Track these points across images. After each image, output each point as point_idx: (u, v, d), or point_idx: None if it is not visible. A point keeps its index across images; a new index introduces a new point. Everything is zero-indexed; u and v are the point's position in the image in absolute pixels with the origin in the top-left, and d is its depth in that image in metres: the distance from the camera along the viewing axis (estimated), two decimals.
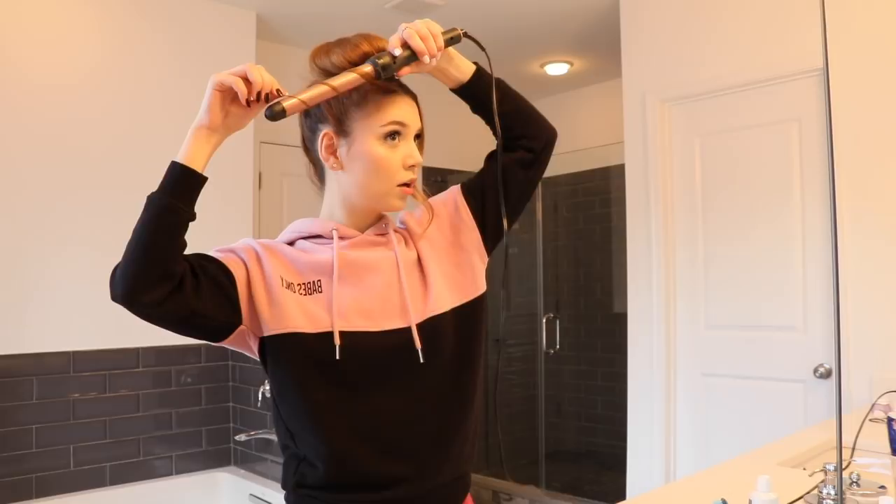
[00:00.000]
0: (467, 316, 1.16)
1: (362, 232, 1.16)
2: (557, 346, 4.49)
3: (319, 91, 1.05)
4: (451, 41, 1.14)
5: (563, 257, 4.93)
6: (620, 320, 3.57)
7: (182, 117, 3.29)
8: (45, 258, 2.93)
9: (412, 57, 1.08)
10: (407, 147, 1.13)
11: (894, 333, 2.46)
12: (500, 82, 1.22)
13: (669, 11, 3.16)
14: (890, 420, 1.42)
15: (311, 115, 1.14)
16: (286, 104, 1.03)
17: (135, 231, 0.99)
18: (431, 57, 1.09)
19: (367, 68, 1.07)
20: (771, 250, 2.84)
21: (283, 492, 1.15)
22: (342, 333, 1.06)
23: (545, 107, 6.09)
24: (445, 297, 1.15)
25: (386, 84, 1.09)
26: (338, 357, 1.05)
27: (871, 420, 1.41)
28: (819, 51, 2.12)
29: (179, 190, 1.00)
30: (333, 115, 1.11)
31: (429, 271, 1.17)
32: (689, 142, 3.12)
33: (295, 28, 3.77)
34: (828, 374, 2.65)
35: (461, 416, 1.14)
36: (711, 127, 3.04)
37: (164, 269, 0.98)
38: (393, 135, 1.11)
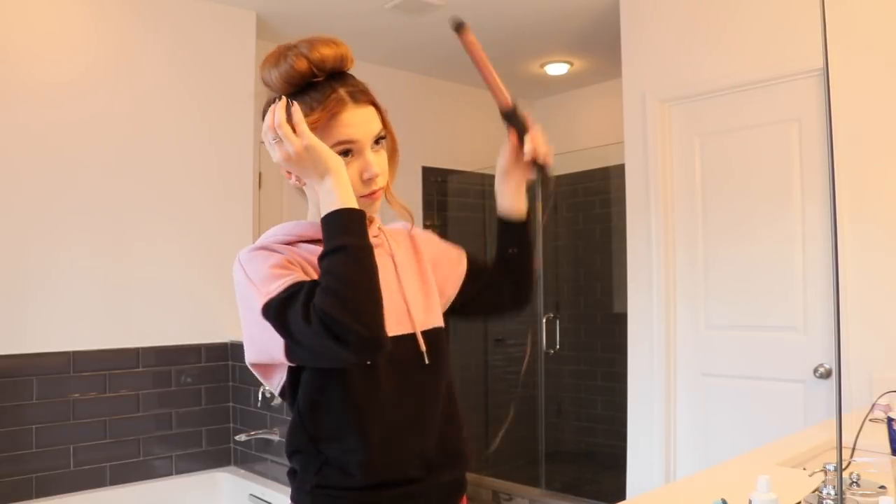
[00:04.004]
0: (445, 336, 1.24)
1: None
2: (557, 346, 4.49)
3: None
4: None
5: (563, 257, 4.93)
6: (620, 320, 3.57)
7: (182, 117, 3.31)
8: (45, 258, 2.93)
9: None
10: (361, 162, 1.10)
11: (894, 333, 2.46)
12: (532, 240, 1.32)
13: (669, 11, 3.16)
14: (890, 420, 1.42)
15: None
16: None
17: (361, 279, 0.99)
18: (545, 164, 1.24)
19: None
20: (771, 250, 2.84)
21: (291, 491, 1.16)
22: None
23: (545, 107, 6.12)
24: (439, 312, 1.23)
25: (332, 98, 1.08)
26: (376, 363, 1.09)
27: (871, 420, 1.41)
28: (819, 51, 2.12)
29: (367, 230, 1.05)
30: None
31: (428, 282, 1.24)
32: (689, 142, 3.12)
33: (295, 28, 3.77)
34: (828, 374, 2.65)
35: (458, 420, 1.22)
36: (711, 127, 3.04)
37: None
38: (344, 153, 1.08)
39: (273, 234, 1.16)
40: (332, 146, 1.07)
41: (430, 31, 3.85)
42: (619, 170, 3.43)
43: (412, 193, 4.55)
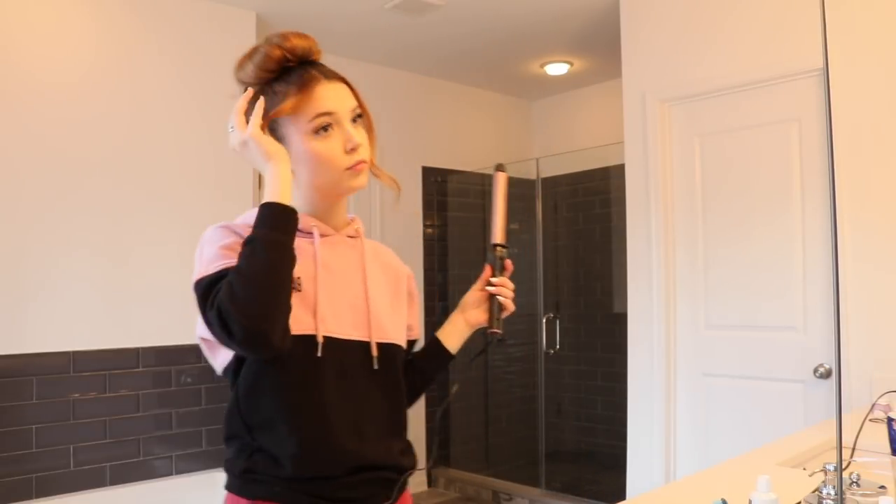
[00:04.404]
0: (402, 357, 1.25)
1: (337, 230, 1.20)
2: (557, 346, 4.49)
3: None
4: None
5: (563, 257, 4.93)
6: (620, 320, 3.57)
7: (182, 117, 3.31)
8: (45, 259, 2.93)
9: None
10: (342, 133, 1.13)
11: (894, 333, 2.46)
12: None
13: (669, 11, 3.16)
14: (890, 420, 1.42)
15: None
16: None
17: (257, 271, 0.99)
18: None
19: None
20: (771, 250, 2.84)
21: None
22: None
23: (545, 107, 6.12)
24: (403, 334, 1.25)
25: (306, 76, 1.12)
26: (319, 356, 1.09)
27: (871, 420, 1.41)
28: (819, 51, 2.13)
29: (289, 226, 1.05)
30: (264, 125, 1.12)
31: (399, 303, 1.27)
32: (689, 142, 3.12)
33: (295, 28, 3.75)
34: (828, 374, 2.65)
35: (404, 433, 1.23)
36: (711, 127, 3.04)
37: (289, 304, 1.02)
38: (325, 127, 1.11)
39: (248, 215, 1.16)
40: (311, 119, 1.10)
41: (430, 31, 3.85)
42: (619, 170, 3.43)
43: (412, 193, 4.55)
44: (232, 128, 1.10)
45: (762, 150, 2.88)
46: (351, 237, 1.23)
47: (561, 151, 4.87)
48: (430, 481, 4.60)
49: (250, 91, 1.12)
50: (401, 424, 1.22)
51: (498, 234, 1.31)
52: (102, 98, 3.10)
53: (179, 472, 3.22)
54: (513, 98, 5.16)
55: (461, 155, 4.73)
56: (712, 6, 3.02)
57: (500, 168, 1.35)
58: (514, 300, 1.33)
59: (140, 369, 3.14)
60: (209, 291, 1.02)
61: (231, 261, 1.04)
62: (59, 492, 2.89)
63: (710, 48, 3.02)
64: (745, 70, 2.89)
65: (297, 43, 1.14)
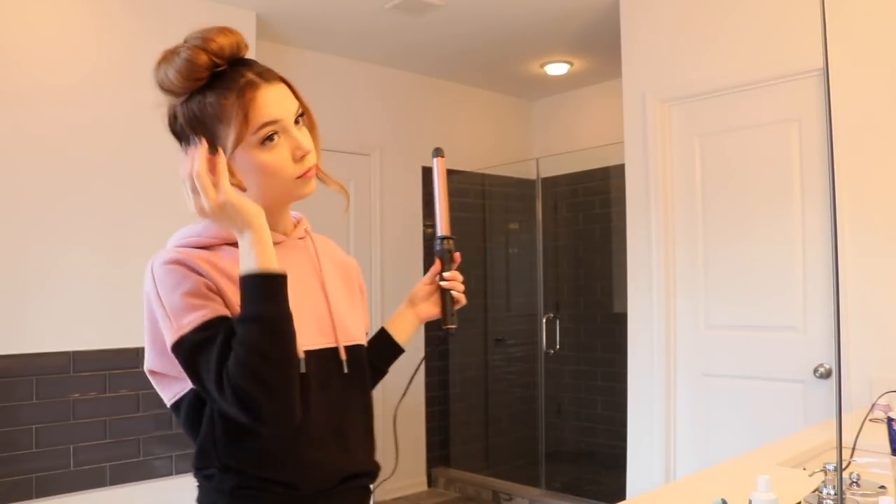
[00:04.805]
0: (366, 355, 1.22)
1: (287, 235, 1.15)
2: (557, 346, 4.49)
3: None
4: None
5: (563, 257, 4.93)
6: (620, 320, 3.57)
7: None
8: (45, 258, 2.93)
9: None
10: (289, 141, 1.04)
11: (894, 333, 2.46)
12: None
13: (669, 11, 3.16)
14: (890, 420, 1.42)
15: (182, 141, 1.07)
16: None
17: (279, 358, 0.95)
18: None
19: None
20: (771, 250, 2.84)
21: (199, 493, 1.10)
22: None
23: (545, 107, 6.10)
24: (363, 331, 1.23)
25: (243, 83, 1.02)
26: (303, 372, 1.05)
27: (871, 420, 1.41)
28: (819, 51, 2.13)
29: (282, 296, 0.99)
30: (205, 138, 1.02)
31: (354, 299, 1.24)
32: (689, 142, 3.12)
33: (295, 28, 3.77)
34: (828, 374, 2.65)
35: (373, 434, 1.20)
36: (711, 127, 3.04)
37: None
38: (270, 136, 1.02)
39: (192, 233, 1.08)
40: (256, 131, 1.01)
41: (430, 31, 3.85)
42: (619, 170, 3.43)
43: (412, 193, 4.55)
44: (192, 188, 0.97)
45: (762, 150, 2.88)
46: (301, 238, 1.19)
47: (561, 151, 4.87)
48: (430, 481, 4.61)
49: (204, 146, 0.99)
50: (371, 423, 1.20)
51: (444, 226, 1.26)
52: (103, 98, 3.10)
53: (179, 472, 3.22)
54: (513, 98, 5.16)
55: (461, 155, 4.73)
56: (712, 6, 3.02)
57: (438, 153, 1.26)
58: (466, 294, 1.30)
59: (140, 369, 3.13)
60: (195, 359, 0.96)
61: (205, 311, 0.98)
62: (59, 492, 2.89)
63: (709, 48, 3.02)
64: (745, 70, 2.89)
65: (224, 42, 1.04)
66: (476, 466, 4.64)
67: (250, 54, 1.12)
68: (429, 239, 4.63)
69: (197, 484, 1.10)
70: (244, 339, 0.95)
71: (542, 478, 4.32)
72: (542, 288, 4.53)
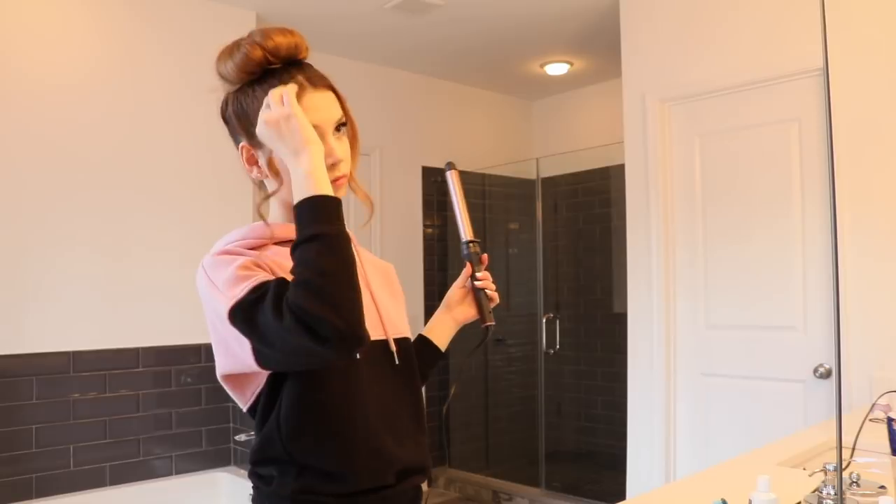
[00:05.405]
0: (412, 348, 1.24)
1: None
2: (557, 346, 4.49)
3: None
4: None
5: (563, 257, 4.93)
6: (620, 320, 3.57)
7: (182, 118, 3.31)
8: (45, 258, 2.93)
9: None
10: (325, 146, 1.05)
11: (894, 333, 2.46)
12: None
13: (669, 11, 3.16)
14: (890, 420, 1.42)
15: (230, 127, 1.11)
16: None
17: (337, 268, 0.92)
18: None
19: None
20: (771, 250, 2.84)
21: (255, 495, 1.12)
22: None
23: (545, 107, 6.10)
24: (408, 326, 1.23)
25: (296, 86, 1.05)
26: (358, 358, 1.05)
27: (871, 420, 1.40)
28: (819, 51, 2.12)
29: (342, 217, 0.99)
30: (244, 128, 1.07)
31: (398, 297, 1.26)
32: (689, 142, 3.12)
33: (295, 28, 3.77)
34: (828, 374, 2.65)
35: (425, 428, 1.22)
36: (711, 127, 3.04)
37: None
38: None
39: (238, 236, 1.10)
40: None
41: (430, 31, 3.85)
42: (619, 170, 3.43)
43: (412, 193, 4.55)
44: (268, 105, 1.01)
45: (762, 150, 2.88)
46: None
47: (561, 151, 4.87)
48: (430, 481, 4.60)
49: (293, 86, 1.03)
50: (423, 415, 1.21)
51: (468, 230, 1.31)
52: (103, 98, 3.10)
53: (179, 472, 3.22)
54: (513, 98, 5.16)
55: (461, 155, 4.72)
56: (712, 6, 3.02)
57: (451, 166, 1.33)
58: (500, 295, 1.32)
59: (140, 369, 3.14)
60: (252, 312, 0.94)
61: (259, 277, 0.97)
62: (59, 492, 2.89)
63: (709, 48, 3.02)
64: (745, 70, 2.89)
65: (281, 42, 1.06)
66: (476, 466, 4.64)
67: None
68: (429, 239, 4.63)
69: (252, 486, 1.10)
70: (302, 260, 0.93)
71: (541, 478, 4.32)
72: (541, 288, 4.53)
